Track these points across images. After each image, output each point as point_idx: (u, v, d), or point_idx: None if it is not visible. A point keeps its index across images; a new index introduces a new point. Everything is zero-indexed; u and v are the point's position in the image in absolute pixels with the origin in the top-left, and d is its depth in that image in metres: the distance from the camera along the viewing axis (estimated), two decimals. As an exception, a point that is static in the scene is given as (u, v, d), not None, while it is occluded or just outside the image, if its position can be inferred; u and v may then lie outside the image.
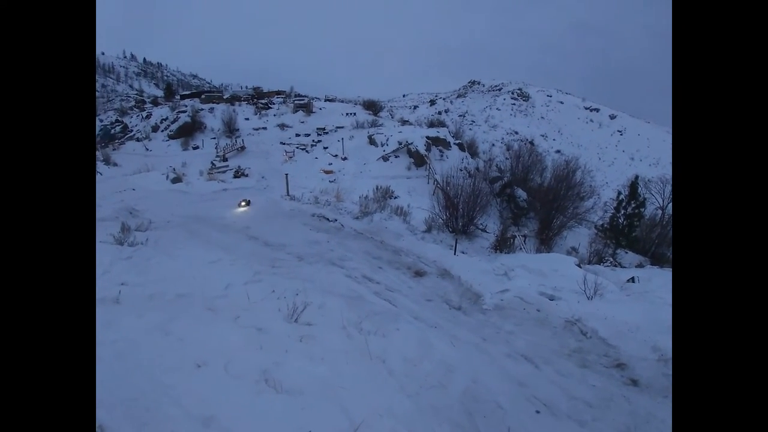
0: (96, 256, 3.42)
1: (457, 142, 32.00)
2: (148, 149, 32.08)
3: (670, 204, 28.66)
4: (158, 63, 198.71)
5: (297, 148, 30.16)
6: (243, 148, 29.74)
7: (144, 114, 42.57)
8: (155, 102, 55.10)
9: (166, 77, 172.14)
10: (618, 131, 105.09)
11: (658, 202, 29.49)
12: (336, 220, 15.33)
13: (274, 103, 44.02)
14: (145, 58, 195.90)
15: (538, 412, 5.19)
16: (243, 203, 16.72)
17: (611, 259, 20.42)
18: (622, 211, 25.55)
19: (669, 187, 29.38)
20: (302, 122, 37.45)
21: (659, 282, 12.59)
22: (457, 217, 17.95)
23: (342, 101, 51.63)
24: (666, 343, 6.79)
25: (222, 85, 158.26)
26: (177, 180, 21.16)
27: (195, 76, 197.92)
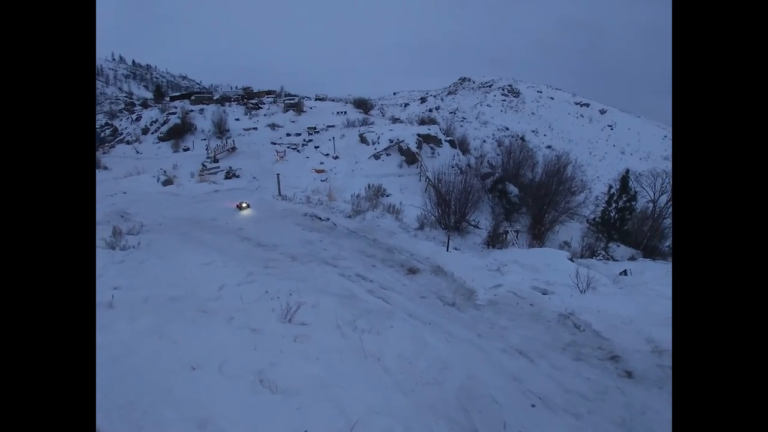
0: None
1: (449, 139, 32.08)
2: (138, 152, 31.91)
3: (662, 197, 28.82)
4: (147, 65, 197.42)
5: (288, 147, 30.10)
6: (234, 148, 29.63)
7: (134, 116, 42.29)
8: (145, 104, 54.73)
9: (155, 79, 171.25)
10: (608, 126, 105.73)
11: (649, 195, 29.62)
12: (328, 219, 15.31)
13: (264, 103, 43.86)
14: (134, 60, 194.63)
15: (533, 405, 5.21)
16: (244, 205, 16.34)
17: (603, 253, 20.51)
18: (614, 205, 25.62)
19: (660, 181, 29.53)
20: (293, 122, 37.38)
21: (652, 274, 12.66)
22: (450, 213, 18.01)
23: (333, 100, 51.60)
24: (659, 334, 6.84)
25: (212, 85, 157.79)
26: (168, 182, 21.04)
27: (184, 78, 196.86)
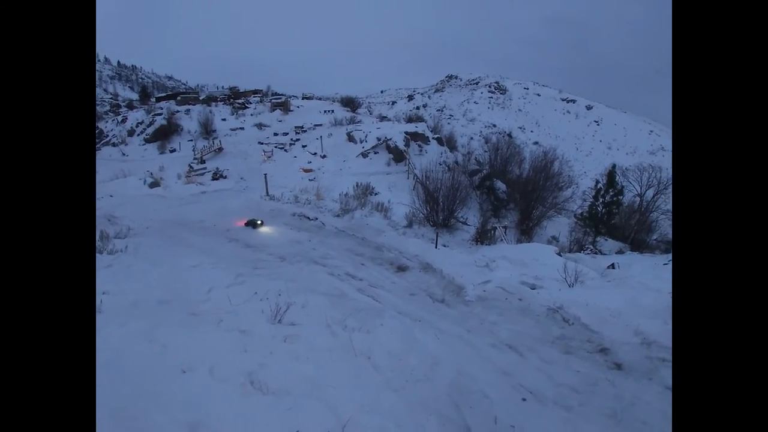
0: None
1: (436, 136, 32.14)
2: (124, 154, 31.60)
3: (648, 191, 29.18)
4: (132, 65, 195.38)
5: (275, 147, 29.98)
6: (221, 149, 29.45)
7: (119, 118, 41.79)
8: (130, 105, 54.15)
9: (141, 80, 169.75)
10: (595, 121, 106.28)
11: (636, 189, 29.97)
12: (317, 218, 15.31)
13: (251, 103, 43.63)
14: (119, 61, 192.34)
15: (524, 399, 5.24)
16: (259, 223, 13.78)
17: (591, 247, 20.72)
18: (601, 200, 25.90)
19: (646, 175, 29.86)
20: (280, 121, 37.24)
21: (639, 267, 12.82)
22: (438, 211, 18.07)
23: (320, 99, 51.49)
24: (648, 326, 6.91)
25: (198, 85, 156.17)
26: (155, 184, 20.93)
27: (170, 78, 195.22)
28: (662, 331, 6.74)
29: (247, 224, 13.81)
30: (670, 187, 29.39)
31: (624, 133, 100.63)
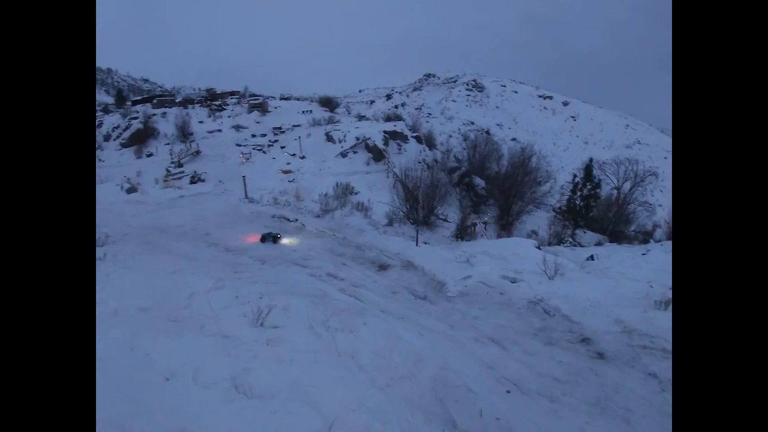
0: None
1: (415, 135, 32.21)
2: (100, 160, 31.03)
3: (625, 183, 29.66)
4: (108, 68, 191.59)
5: (254, 149, 29.74)
6: (198, 152, 29.10)
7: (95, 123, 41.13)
8: (106, 109, 53.11)
9: (116, 83, 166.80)
10: (571, 117, 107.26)
11: (613, 182, 30.44)
12: (297, 219, 15.28)
13: (228, 104, 43.21)
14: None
15: (508, 392, 5.31)
16: (278, 235, 12.47)
17: (570, 240, 20.98)
18: (579, 193, 26.25)
19: (623, 168, 30.36)
20: (258, 122, 36.94)
21: (617, 258, 13.02)
22: (418, 208, 18.16)
23: (298, 99, 51.15)
24: (628, 315, 7.04)
25: (174, 88, 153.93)
26: (132, 190, 20.61)
27: (146, 80, 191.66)
28: (642, 319, 6.87)
29: (262, 240, 12.39)
30: (647, 179, 29.95)
31: (600, 127, 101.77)
